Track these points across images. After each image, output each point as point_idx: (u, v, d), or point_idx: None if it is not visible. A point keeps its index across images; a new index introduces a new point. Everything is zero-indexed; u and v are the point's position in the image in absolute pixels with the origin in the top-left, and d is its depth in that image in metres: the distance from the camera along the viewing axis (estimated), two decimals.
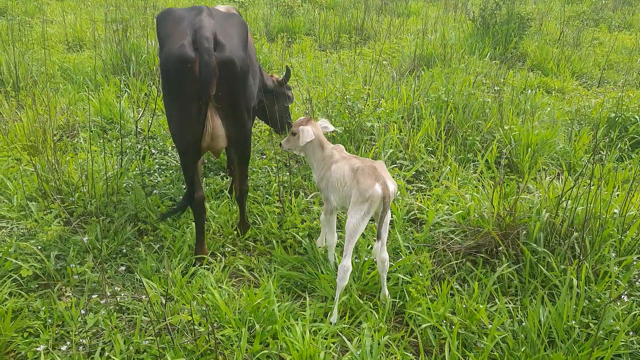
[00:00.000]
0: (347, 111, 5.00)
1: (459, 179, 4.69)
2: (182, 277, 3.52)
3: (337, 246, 3.72)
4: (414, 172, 4.81)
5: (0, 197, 4.31)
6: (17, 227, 3.93)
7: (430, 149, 5.20)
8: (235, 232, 4.06)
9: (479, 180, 4.68)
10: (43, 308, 3.17)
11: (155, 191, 4.65)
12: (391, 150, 4.91)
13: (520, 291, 3.47)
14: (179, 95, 3.24)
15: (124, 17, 9.04)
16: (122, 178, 4.53)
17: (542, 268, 3.43)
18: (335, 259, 3.62)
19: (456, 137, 5.29)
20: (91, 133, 5.55)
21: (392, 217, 4.05)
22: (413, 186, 4.71)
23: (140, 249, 3.77)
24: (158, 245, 3.87)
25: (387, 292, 3.32)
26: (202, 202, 3.57)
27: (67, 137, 5.66)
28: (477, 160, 4.98)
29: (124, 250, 3.80)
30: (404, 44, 9.98)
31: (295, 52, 9.85)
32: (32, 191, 4.30)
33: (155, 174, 4.94)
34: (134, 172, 4.79)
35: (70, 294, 3.32)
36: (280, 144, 3.64)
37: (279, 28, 11.01)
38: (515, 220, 3.63)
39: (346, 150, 4.86)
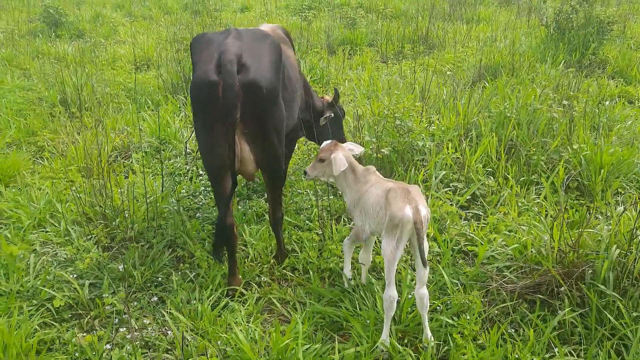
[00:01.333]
0: (396, 130, 4.70)
1: (519, 203, 4.27)
2: (212, 310, 3.37)
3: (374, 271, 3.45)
4: (469, 196, 4.44)
5: (51, 221, 4.37)
6: (59, 253, 3.94)
7: (489, 169, 4.80)
8: (273, 260, 3.88)
9: (542, 206, 4.24)
10: (73, 339, 3.11)
11: (198, 214, 4.56)
12: (444, 172, 4.56)
13: (585, 340, 3.04)
14: (205, 119, 3.20)
15: (185, 37, 9.17)
16: (164, 201, 4.48)
17: (609, 315, 3.00)
18: (366, 279, 3.48)
19: (519, 157, 4.86)
20: (144, 154, 5.57)
21: (438, 249, 3.73)
22: (467, 212, 4.34)
23: (175, 277, 3.66)
24: (193, 274, 3.75)
25: (429, 335, 3.03)
26: (232, 230, 3.39)
27: (122, 158, 5.72)
28: (542, 183, 4.54)
29: (160, 279, 3.71)
30: (470, 53, 9.51)
31: (355, 64, 9.63)
32: (78, 215, 4.32)
33: (201, 196, 4.86)
34: (179, 195, 4.73)
35: (97, 326, 3.25)
36: (305, 172, 3.44)
37: (341, 40, 10.85)
38: (579, 257, 3.21)
39: (393, 172, 4.65)
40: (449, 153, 4.76)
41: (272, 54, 3.33)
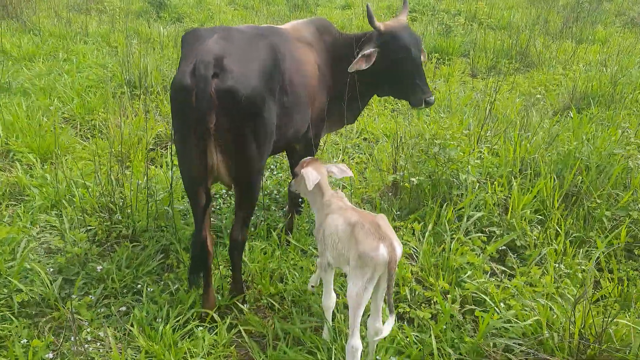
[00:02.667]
0: (434, 157, 4.15)
1: (562, 265, 3.59)
2: (175, 332, 3.09)
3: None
4: (503, 246, 3.81)
5: (66, 205, 4.30)
6: (51, 241, 3.84)
7: (539, 217, 4.12)
8: (259, 286, 3.52)
9: (588, 273, 3.53)
10: (23, 341, 2.96)
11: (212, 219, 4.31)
12: (481, 214, 3.95)
13: None
14: (179, 126, 2.93)
15: None
16: (167, 201, 4.23)
17: None
18: (330, 327, 2.99)
19: (579, 208, 4.13)
20: None
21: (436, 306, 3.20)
22: (497, 266, 3.72)
23: (152, 287, 3.42)
24: (175, 286, 3.49)
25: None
26: (205, 246, 3.06)
27: (161, 148, 5.62)
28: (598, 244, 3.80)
29: (139, 286, 3.48)
30: (570, 76, 8.53)
31: (440, 75, 8.99)
32: (84, 203, 4.23)
33: (220, 200, 4.62)
34: None
35: (52, 330, 3.07)
36: (290, 185, 3.20)
37: (432, 48, 10.20)
38: (602, 354, 2.55)
39: (421, 205, 4.12)
40: (494, 191, 4.13)
41: (263, 58, 2.99)
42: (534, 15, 13.08)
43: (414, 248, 3.76)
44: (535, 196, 4.19)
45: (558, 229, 3.92)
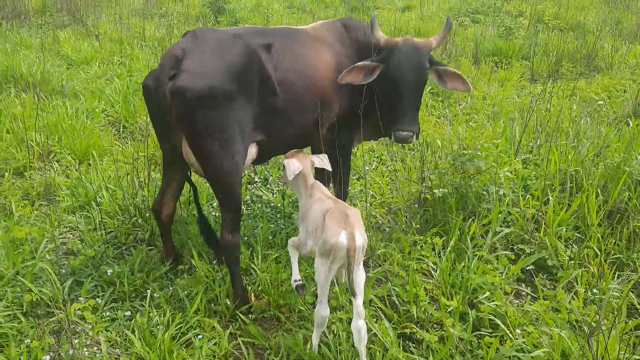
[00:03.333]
0: (459, 169, 3.90)
1: (596, 290, 3.26)
2: (174, 340, 3.04)
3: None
4: (532, 266, 3.52)
5: (95, 206, 4.38)
6: (68, 243, 3.90)
7: (578, 235, 3.78)
8: (268, 297, 3.42)
9: (623, 300, 3.19)
10: (27, 341, 2.99)
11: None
12: (509, 230, 3.67)
13: None
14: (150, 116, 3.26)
15: None
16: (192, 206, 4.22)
17: None
18: (317, 340, 2.96)
19: (624, 227, 3.76)
20: None
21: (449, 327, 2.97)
22: (520, 288, 3.43)
23: (158, 293, 3.39)
24: (185, 292, 3.45)
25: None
26: (158, 216, 3.52)
27: None
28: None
29: (149, 291, 3.46)
30: (638, 80, 7.92)
31: (497, 79, 8.59)
32: (108, 206, 4.28)
33: (244, 206, 4.56)
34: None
35: (53, 332, 3.09)
36: (279, 177, 3.22)
37: (491, 50, 9.79)
38: None
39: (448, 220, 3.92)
40: (530, 205, 3.83)
41: (231, 59, 3.01)
42: (605, 15, 12.31)
43: (432, 264, 3.53)
44: (574, 212, 3.86)
45: (597, 250, 3.58)
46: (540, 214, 3.86)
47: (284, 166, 3.13)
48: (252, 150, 3.23)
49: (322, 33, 3.59)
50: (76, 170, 5.02)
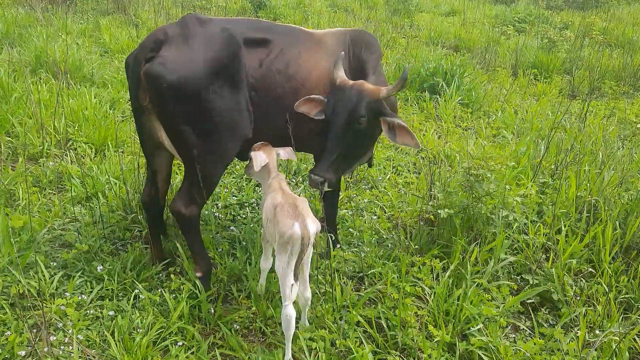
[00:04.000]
0: (468, 189, 3.71)
1: (599, 331, 3.04)
2: (153, 345, 2.99)
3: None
4: (535, 299, 3.32)
5: (101, 198, 4.39)
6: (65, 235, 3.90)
7: (589, 270, 3.55)
8: (255, 308, 3.33)
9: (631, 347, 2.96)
10: (8, 333, 2.99)
11: (232, 227, 4.20)
12: (514, 258, 3.48)
13: None
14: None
15: None
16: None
17: None
18: (264, 283, 3.41)
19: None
20: None
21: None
22: (517, 322, 3.23)
23: (144, 294, 3.34)
24: (174, 295, 3.40)
25: (306, 323, 3.14)
26: (146, 209, 3.52)
27: None
28: None
29: (136, 291, 3.42)
30: None
31: (533, 93, 8.28)
32: (112, 199, 4.27)
33: (247, 209, 4.50)
34: (220, 201, 4.42)
35: (32, 326, 3.08)
36: (245, 170, 3.38)
37: (531, 63, 9.46)
38: None
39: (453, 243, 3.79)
40: (539, 233, 3.62)
41: (214, 50, 2.98)
42: None
43: (428, 288, 3.38)
44: (588, 244, 3.63)
45: (607, 287, 3.35)
46: (550, 243, 3.64)
47: (250, 158, 3.18)
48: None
49: (327, 39, 3.48)
50: (91, 160, 5.05)
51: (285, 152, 3.27)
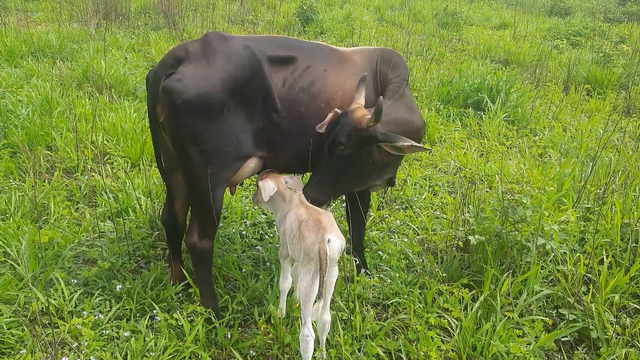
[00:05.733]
0: (500, 214, 3.49)
1: None
2: None
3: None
4: (569, 337, 3.06)
5: (131, 213, 4.41)
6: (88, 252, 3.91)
7: (635, 306, 3.26)
8: (264, 327, 3.22)
9: None
10: (22, 352, 2.99)
11: (258, 247, 4.12)
12: (549, 291, 3.23)
13: None
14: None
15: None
16: (228, 222, 4.13)
17: None
18: (285, 307, 3.29)
19: None
20: None
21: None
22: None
23: (161, 315, 3.28)
24: (190, 318, 3.32)
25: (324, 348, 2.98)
26: (166, 226, 3.48)
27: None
28: None
29: (154, 312, 3.37)
30: None
31: (586, 109, 7.89)
32: (141, 215, 4.27)
33: (277, 229, 4.40)
34: (248, 218, 4.35)
35: (39, 349, 3.06)
36: (252, 198, 3.30)
37: (584, 78, 9.05)
38: None
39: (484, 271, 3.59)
40: (577, 265, 3.36)
41: (232, 69, 2.91)
42: None
43: (454, 320, 3.18)
44: (633, 277, 3.34)
45: None
46: (591, 275, 3.37)
47: (258, 187, 3.16)
48: (251, 165, 3.15)
49: (356, 58, 3.36)
50: (126, 174, 5.09)
51: (293, 181, 3.22)
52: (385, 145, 2.99)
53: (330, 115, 3.11)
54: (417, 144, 2.93)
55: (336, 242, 2.71)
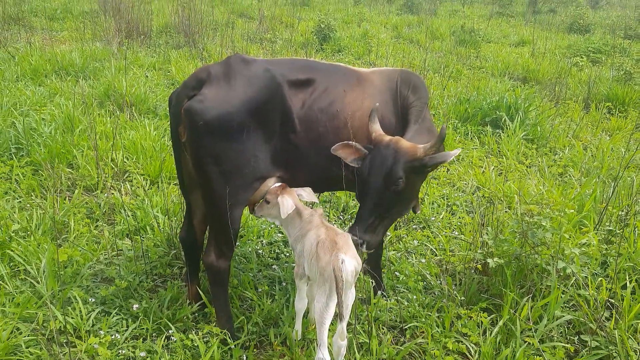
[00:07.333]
0: (519, 237, 3.44)
1: None
2: None
3: None
4: None
5: (149, 231, 4.43)
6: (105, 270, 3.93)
7: None
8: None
9: None
10: None
11: (274, 266, 4.11)
12: (570, 317, 3.16)
13: None
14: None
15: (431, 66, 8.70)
16: (244, 240, 4.12)
17: None
18: (300, 328, 3.28)
19: None
20: None
21: None
22: None
23: (176, 336, 3.27)
24: (206, 339, 3.32)
25: None
26: (184, 246, 3.52)
27: None
28: None
29: (170, 332, 3.37)
30: None
31: (607, 128, 7.79)
32: (158, 234, 4.30)
33: (283, 246, 4.40)
34: (264, 237, 4.35)
35: None
36: (253, 210, 3.25)
37: (605, 96, 8.95)
38: None
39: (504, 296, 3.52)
40: (599, 290, 3.30)
41: (252, 91, 2.96)
42: None
43: (473, 345, 3.12)
44: None
45: None
46: (613, 300, 3.29)
47: (266, 201, 3.13)
48: (269, 185, 3.17)
49: (375, 78, 3.37)
50: (144, 192, 5.13)
51: (307, 194, 3.20)
52: (432, 169, 3.05)
53: (348, 149, 3.05)
54: (457, 151, 2.97)
55: (350, 263, 2.68)
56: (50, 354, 3.07)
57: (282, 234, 4.59)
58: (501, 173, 6.01)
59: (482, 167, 6.16)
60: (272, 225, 4.64)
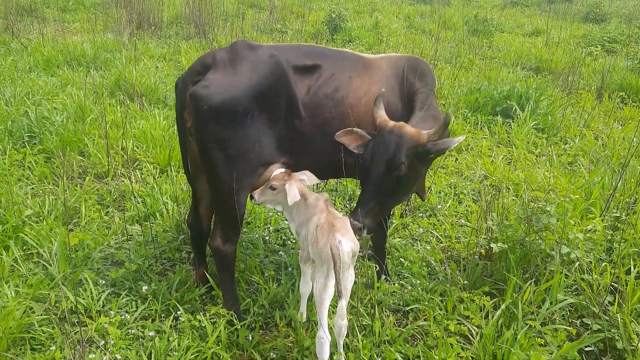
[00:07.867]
0: (524, 222, 3.45)
1: None
2: None
3: None
4: (592, 346, 3.01)
5: (158, 217, 4.51)
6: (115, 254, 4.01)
7: None
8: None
9: None
10: (52, 348, 3.10)
11: (281, 252, 4.17)
12: (572, 300, 3.18)
13: None
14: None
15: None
16: (251, 227, 4.18)
17: None
18: (305, 311, 3.33)
19: None
20: None
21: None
22: None
23: (185, 316, 3.34)
24: (213, 320, 3.38)
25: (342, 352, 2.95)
26: (192, 230, 3.55)
27: None
28: None
29: (179, 313, 3.45)
30: None
31: (620, 117, 7.73)
32: (167, 220, 4.37)
33: (291, 237, 4.44)
34: (272, 223, 4.40)
35: (67, 346, 3.14)
36: (252, 196, 3.15)
37: (618, 85, 8.86)
38: None
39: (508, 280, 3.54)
40: (603, 275, 3.31)
41: (257, 77, 2.97)
42: None
43: (475, 327, 3.15)
44: None
45: None
46: (617, 285, 3.30)
47: (272, 187, 3.08)
48: (274, 171, 3.18)
49: (382, 64, 3.38)
50: (154, 179, 5.21)
51: (307, 177, 3.20)
52: (436, 155, 3.06)
53: (351, 135, 3.06)
54: (461, 138, 3.00)
55: (347, 244, 2.72)
56: (62, 332, 3.15)
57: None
58: (510, 162, 6.00)
59: (491, 156, 6.15)
60: (279, 213, 4.69)
